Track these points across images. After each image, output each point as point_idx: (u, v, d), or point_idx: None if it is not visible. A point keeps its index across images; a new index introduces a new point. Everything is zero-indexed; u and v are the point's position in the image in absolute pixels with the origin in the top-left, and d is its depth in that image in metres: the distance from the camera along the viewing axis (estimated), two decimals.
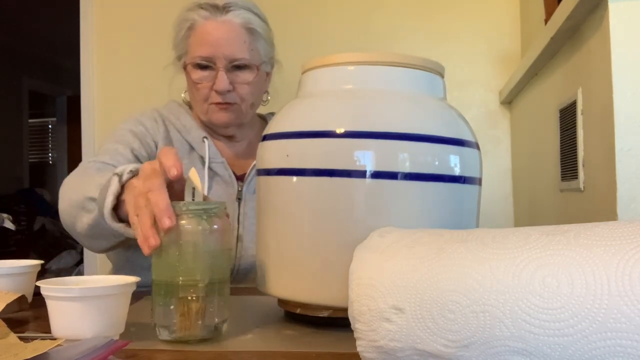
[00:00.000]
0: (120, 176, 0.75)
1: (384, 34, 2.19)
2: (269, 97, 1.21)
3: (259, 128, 1.24)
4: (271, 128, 0.69)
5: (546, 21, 1.49)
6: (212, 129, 1.17)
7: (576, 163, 1.24)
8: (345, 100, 0.66)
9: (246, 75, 1.09)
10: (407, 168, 0.61)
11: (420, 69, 0.68)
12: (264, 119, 1.26)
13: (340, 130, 0.62)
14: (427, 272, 0.45)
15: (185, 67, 1.11)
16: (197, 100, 1.11)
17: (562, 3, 1.21)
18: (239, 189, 1.11)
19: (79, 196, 0.86)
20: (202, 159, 1.11)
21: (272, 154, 0.67)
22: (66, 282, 0.61)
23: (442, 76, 0.72)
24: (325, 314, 0.65)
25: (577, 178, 1.23)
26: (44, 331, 0.60)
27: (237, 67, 1.08)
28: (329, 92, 0.68)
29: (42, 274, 0.96)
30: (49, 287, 0.58)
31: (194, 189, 0.63)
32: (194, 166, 1.09)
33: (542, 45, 1.41)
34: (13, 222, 1.51)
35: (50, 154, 6.02)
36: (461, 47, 2.14)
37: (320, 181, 0.62)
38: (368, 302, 0.47)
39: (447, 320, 0.43)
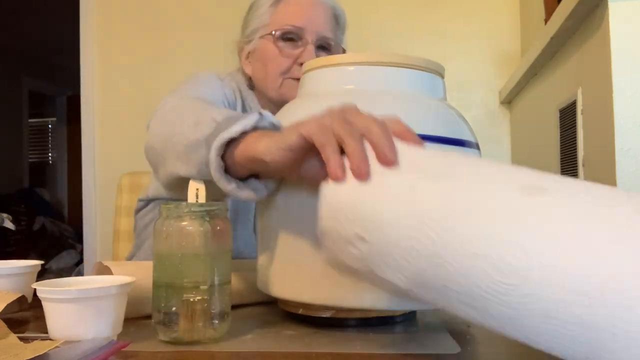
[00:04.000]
0: (260, 115, 0.60)
1: (384, 34, 2.19)
2: None
3: None
4: None
5: (546, 21, 1.49)
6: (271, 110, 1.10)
7: (576, 163, 1.24)
8: (346, 101, 0.66)
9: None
10: None
11: (421, 69, 0.68)
12: None
13: None
14: (395, 212, 0.44)
15: (265, 37, 1.05)
16: (272, 74, 1.05)
17: (562, 3, 1.21)
18: None
19: (192, 115, 0.67)
20: None
21: None
22: (62, 284, 0.61)
23: (442, 76, 0.72)
24: (327, 314, 0.65)
25: (577, 178, 1.24)
26: (44, 331, 0.60)
27: (321, 47, 1.05)
28: (329, 92, 0.68)
29: (42, 274, 0.96)
30: (45, 289, 0.57)
31: (197, 189, 0.63)
32: None
33: (542, 45, 1.42)
34: (13, 222, 1.51)
35: (50, 154, 6.02)
36: (461, 47, 2.14)
37: None
38: (335, 225, 0.47)
39: (406, 263, 0.44)
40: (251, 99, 1.10)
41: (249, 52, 1.10)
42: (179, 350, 0.57)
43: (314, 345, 0.59)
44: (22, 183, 5.25)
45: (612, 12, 1.01)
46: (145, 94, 2.25)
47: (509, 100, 2.09)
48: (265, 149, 0.56)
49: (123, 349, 0.55)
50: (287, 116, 0.69)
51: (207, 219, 0.60)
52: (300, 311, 0.67)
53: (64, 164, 5.87)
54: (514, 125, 2.10)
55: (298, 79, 0.96)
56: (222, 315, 0.61)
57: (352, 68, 0.68)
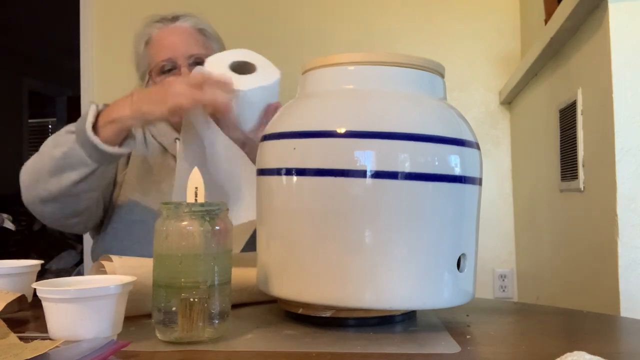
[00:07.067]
0: (97, 105, 0.98)
1: (384, 34, 2.19)
2: None
3: None
4: (271, 128, 0.70)
5: (546, 21, 1.49)
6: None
7: (576, 163, 1.24)
8: (346, 100, 0.66)
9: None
10: (407, 168, 0.61)
11: (421, 69, 0.68)
12: None
13: (341, 130, 0.62)
14: None
15: (150, 77, 1.17)
16: None
17: (562, 3, 1.21)
18: None
19: (50, 144, 1.02)
20: (175, 158, 1.14)
21: (273, 154, 0.67)
22: (62, 284, 0.61)
23: (442, 76, 0.72)
24: (327, 314, 0.65)
25: (577, 178, 1.23)
26: (44, 331, 0.60)
27: (197, 63, 1.11)
28: (329, 92, 0.68)
29: (42, 274, 0.96)
30: (45, 289, 0.57)
31: (196, 188, 0.63)
32: (168, 165, 1.13)
33: (542, 45, 1.41)
34: (13, 222, 1.51)
35: None
36: (461, 47, 2.14)
37: (321, 181, 0.62)
38: None
39: None
40: (159, 123, 1.17)
41: None
42: (178, 350, 0.57)
43: (314, 345, 0.59)
44: None
45: (612, 12, 1.01)
46: None
47: (509, 100, 2.09)
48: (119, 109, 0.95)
49: (123, 349, 0.55)
50: (289, 116, 0.69)
51: (207, 219, 0.60)
52: (300, 311, 0.67)
53: None
54: (514, 125, 2.10)
55: None
56: (222, 315, 0.61)
57: (352, 68, 0.68)
